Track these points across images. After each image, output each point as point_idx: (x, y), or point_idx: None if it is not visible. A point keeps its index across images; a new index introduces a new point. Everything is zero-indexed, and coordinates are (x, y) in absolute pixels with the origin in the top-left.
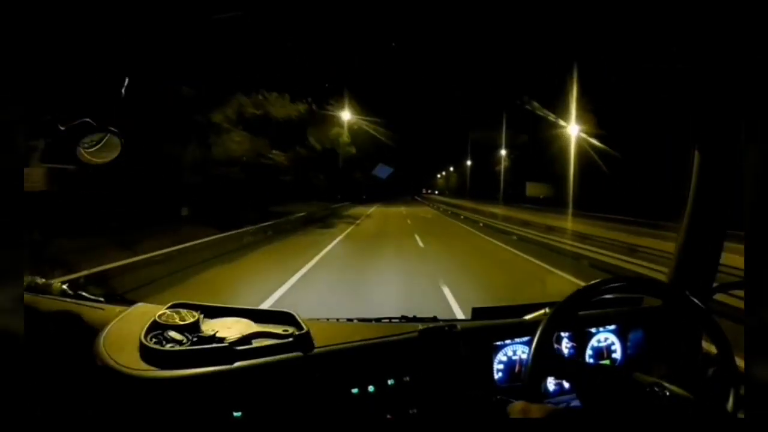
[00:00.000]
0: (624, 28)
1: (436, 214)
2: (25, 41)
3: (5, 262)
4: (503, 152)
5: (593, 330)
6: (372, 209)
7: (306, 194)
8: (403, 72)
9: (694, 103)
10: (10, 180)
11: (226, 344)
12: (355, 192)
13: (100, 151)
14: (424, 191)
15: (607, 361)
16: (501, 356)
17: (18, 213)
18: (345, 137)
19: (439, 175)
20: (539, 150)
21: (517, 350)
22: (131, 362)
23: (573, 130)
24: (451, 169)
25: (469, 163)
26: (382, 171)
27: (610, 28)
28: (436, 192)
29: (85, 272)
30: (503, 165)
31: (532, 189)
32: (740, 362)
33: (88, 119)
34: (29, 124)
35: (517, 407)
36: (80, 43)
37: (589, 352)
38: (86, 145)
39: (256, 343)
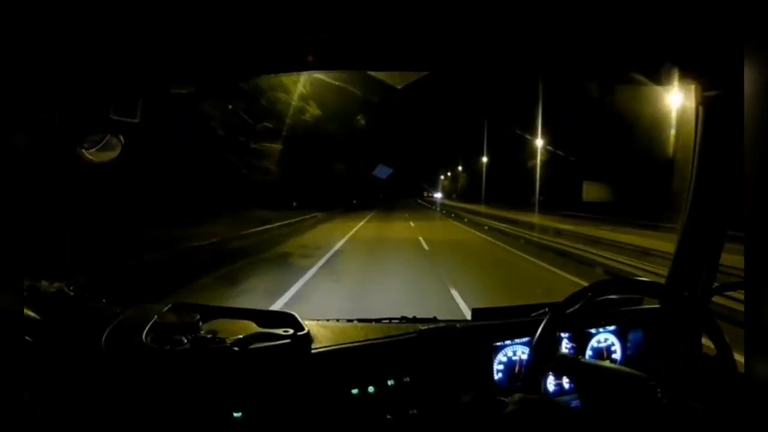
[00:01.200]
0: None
1: (489, 244)
2: (28, 41)
3: (5, 262)
4: (539, 142)
5: (593, 330)
6: (357, 227)
7: (247, 197)
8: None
9: (695, 101)
10: (10, 179)
11: (226, 345)
12: (339, 194)
13: (100, 150)
14: (425, 193)
15: (607, 362)
16: (501, 356)
17: (18, 212)
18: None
19: (442, 176)
20: (597, 137)
21: (517, 351)
22: (131, 363)
23: (674, 98)
24: (460, 168)
25: (485, 159)
26: (382, 171)
27: None
28: (437, 195)
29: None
30: (539, 159)
31: (592, 191)
32: (740, 360)
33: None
34: (30, 124)
35: (514, 398)
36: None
37: (589, 352)
38: (86, 145)
39: (256, 343)
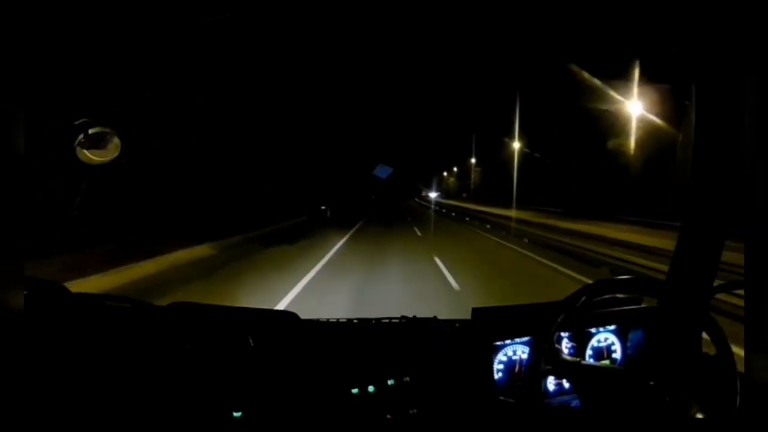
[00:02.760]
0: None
1: None
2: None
3: (5, 262)
4: (636, 108)
5: (593, 330)
6: None
7: None
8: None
9: (695, 100)
10: (9, 180)
11: (226, 344)
12: (296, 195)
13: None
14: (423, 193)
15: (607, 361)
16: (501, 356)
17: (17, 213)
18: None
19: (445, 173)
20: None
21: (517, 350)
22: (131, 361)
23: None
24: (473, 160)
25: (516, 145)
26: (383, 171)
27: None
28: (432, 194)
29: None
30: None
31: None
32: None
33: (87, 119)
34: (30, 124)
35: None
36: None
37: (589, 352)
38: (87, 145)
39: (256, 343)
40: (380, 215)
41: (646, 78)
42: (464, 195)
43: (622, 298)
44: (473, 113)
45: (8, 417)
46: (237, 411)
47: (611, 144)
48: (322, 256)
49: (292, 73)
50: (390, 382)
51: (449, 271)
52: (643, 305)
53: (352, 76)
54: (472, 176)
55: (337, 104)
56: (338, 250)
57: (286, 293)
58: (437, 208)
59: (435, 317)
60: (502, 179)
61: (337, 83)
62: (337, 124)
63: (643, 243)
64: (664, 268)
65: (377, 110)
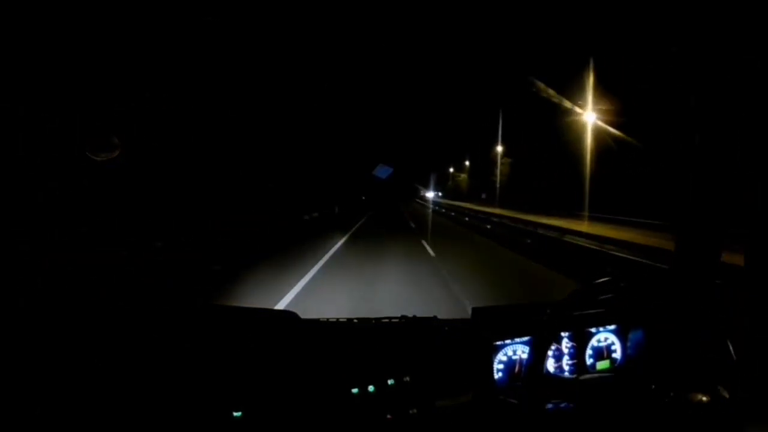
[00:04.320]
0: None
1: None
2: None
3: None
4: None
5: (593, 330)
6: None
7: None
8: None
9: (694, 97)
10: (9, 182)
11: (226, 344)
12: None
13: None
14: (421, 193)
15: (606, 362)
16: (501, 356)
17: (16, 216)
18: None
19: (452, 169)
20: None
21: (517, 350)
22: (130, 361)
23: None
24: (499, 149)
25: (590, 120)
26: (383, 171)
27: None
28: (429, 194)
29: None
30: None
31: None
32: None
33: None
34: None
35: None
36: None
37: (589, 352)
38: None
39: (256, 344)
40: (372, 232)
41: None
42: (483, 196)
43: (621, 297)
44: (497, 88)
45: (8, 416)
46: (237, 411)
47: None
48: None
49: (292, 73)
50: (390, 382)
51: None
52: (643, 305)
53: (353, 74)
54: (500, 171)
55: (337, 104)
56: None
57: None
58: (443, 211)
59: (435, 317)
60: (553, 175)
61: (338, 82)
62: (337, 124)
63: None
64: None
65: (377, 109)
